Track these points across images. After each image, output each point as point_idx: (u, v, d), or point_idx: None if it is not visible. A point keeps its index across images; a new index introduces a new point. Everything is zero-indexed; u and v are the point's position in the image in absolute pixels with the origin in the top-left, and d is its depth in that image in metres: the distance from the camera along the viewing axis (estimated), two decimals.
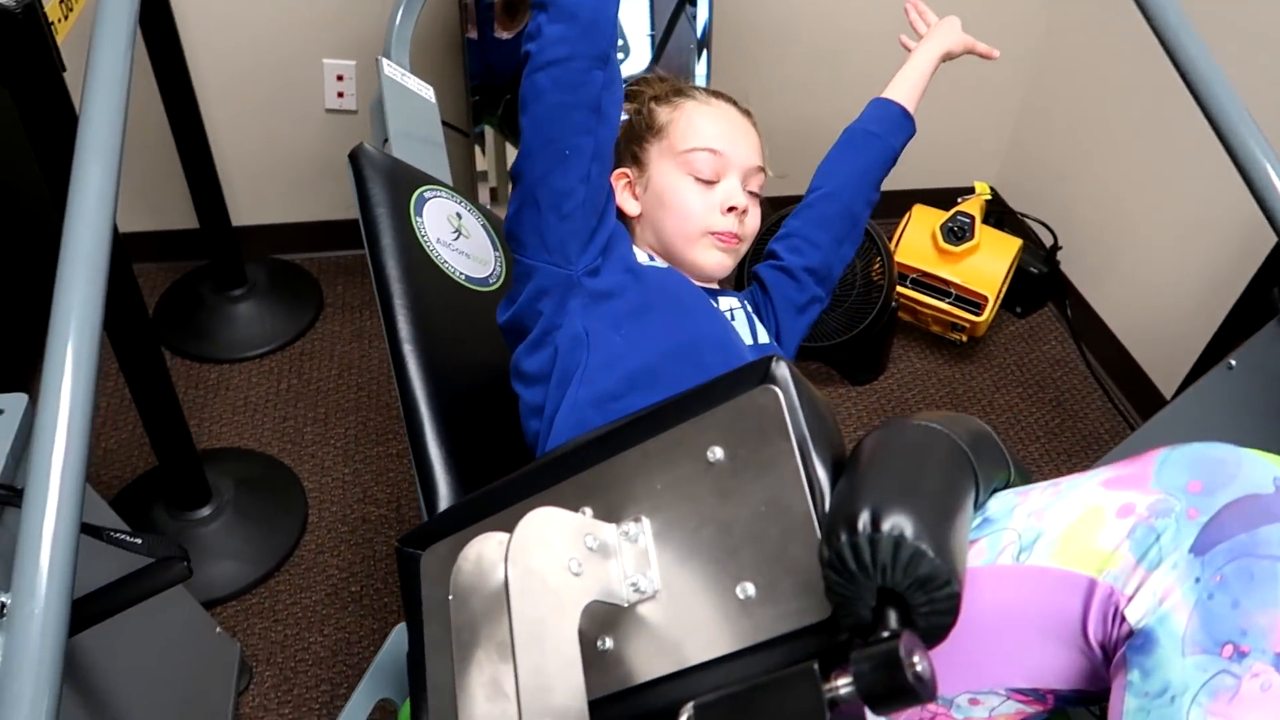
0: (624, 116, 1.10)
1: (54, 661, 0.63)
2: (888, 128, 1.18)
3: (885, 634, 0.51)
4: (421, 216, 1.15)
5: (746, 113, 1.11)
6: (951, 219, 2.20)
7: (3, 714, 0.62)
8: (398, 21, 1.55)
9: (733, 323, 1.05)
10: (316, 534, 1.78)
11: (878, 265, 2.08)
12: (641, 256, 1.01)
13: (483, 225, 1.29)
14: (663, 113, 1.07)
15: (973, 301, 2.17)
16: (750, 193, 1.07)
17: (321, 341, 2.17)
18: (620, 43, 2.05)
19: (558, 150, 0.88)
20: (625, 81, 1.14)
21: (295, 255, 2.36)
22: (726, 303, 1.08)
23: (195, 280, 2.24)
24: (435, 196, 1.19)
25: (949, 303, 2.19)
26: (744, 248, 1.08)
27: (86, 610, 0.82)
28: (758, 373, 0.63)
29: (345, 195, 2.32)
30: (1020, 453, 2.07)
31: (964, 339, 2.27)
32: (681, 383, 0.89)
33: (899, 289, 2.19)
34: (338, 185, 2.29)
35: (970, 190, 2.33)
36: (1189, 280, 2.03)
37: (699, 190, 1.03)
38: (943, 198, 2.37)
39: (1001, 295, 2.21)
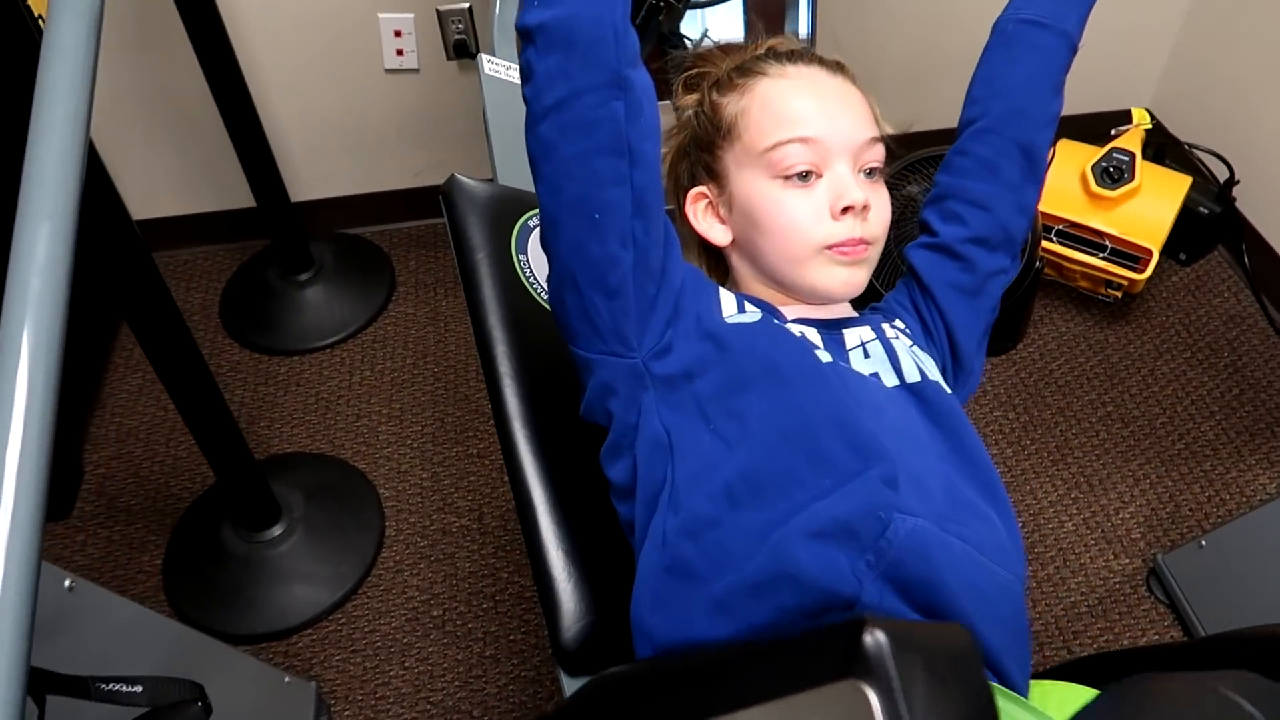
0: (688, 112, 0.85)
1: None
2: (1054, 6, 0.85)
3: None
4: (525, 254, 0.95)
5: (839, 68, 0.83)
6: (1106, 157, 1.87)
7: None
8: (498, 8, 1.28)
9: (866, 361, 0.79)
10: (394, 549, 1.63)
11: None
12: (729, 306, 0.78)
13: None
14: (729, 104, 0.81)
15: (1133, 256, 1.85)
16: (868, 172, 0.80)
17: (395, 326, 2.00)
18: None
19: (586, 214, 0.68)
20: (680, 69, 0.89)
21: (362, 229, 2.19)
22: (854, 336, 0.81)
23: (260, 264, 2.09)
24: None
25: (1103, 258, 1.87)
26: (877, 250, 0.82)
27: None
28: (840, 651, 0.42)
29: (411, 162, 2.14)
30: (1193, 434, 1.77)
31: (1118, 295, 1.95)
32: (794, 484, 0.66)
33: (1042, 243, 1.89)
34: (401, 151, 2.09)
35: (1124, 118, 1.98)
36: None
37: (798, 195, 0.78)
38: (1091, 126, 2.03)
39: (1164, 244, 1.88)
